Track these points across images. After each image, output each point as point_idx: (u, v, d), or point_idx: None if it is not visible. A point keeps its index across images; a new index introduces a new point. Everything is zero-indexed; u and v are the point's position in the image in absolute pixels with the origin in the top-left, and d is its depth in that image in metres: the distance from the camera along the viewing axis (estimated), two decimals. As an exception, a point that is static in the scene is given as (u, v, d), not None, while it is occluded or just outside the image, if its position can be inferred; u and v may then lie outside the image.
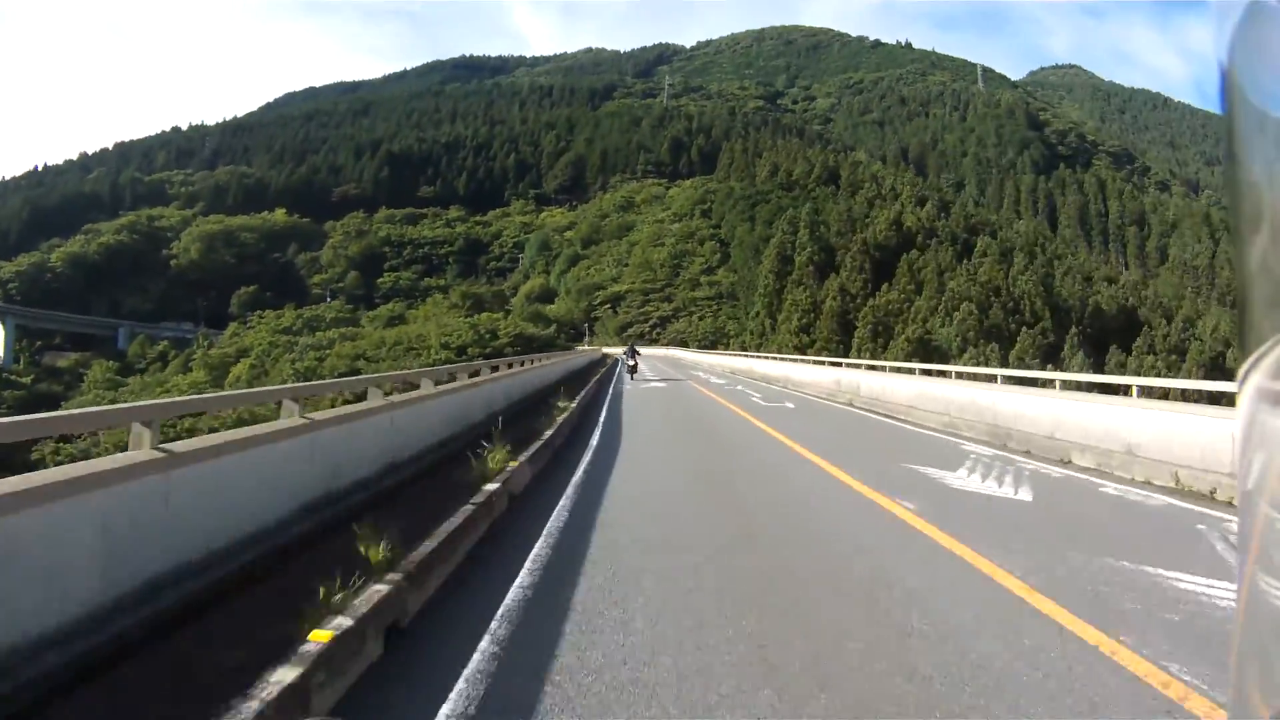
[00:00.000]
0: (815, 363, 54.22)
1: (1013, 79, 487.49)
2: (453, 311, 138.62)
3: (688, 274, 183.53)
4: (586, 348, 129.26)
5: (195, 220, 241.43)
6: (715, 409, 32.12)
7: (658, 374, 65.61)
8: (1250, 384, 1.14)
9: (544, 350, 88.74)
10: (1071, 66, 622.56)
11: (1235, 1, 1.12)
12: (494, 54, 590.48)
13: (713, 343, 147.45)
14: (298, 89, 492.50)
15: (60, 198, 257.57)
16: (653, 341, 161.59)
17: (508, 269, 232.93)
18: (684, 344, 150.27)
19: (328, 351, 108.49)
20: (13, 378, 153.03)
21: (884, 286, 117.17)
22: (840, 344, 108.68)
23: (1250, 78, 1.10)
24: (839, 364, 47.23)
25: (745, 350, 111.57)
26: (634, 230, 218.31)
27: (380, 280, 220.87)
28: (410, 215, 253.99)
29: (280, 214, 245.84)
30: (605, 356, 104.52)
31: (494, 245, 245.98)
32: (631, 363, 59.36)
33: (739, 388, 48.39)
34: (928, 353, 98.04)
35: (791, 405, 33.78)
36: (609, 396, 38.92)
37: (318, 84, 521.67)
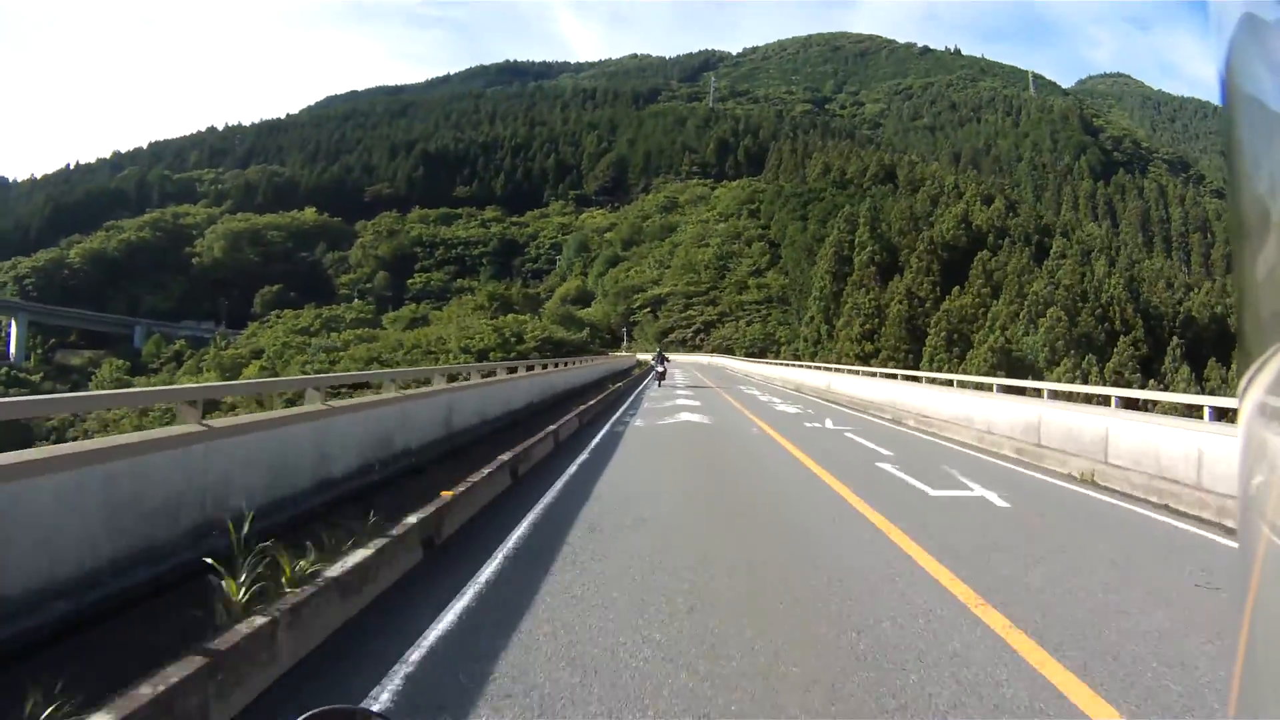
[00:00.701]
0: (958, 385, 31.98)
1: (1063, 87, 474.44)
2: (478, 313, 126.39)
3: (734, 276, 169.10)
4: (622, 354, 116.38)
5: (222, 218, 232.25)
6: (839, 523, 11.83)
7: (693, 386, 51.70)
8: (1250, 399, 1.11)
9: (574, 355, 74.58)
10: (1120, 75, 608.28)
11: (1232, 7, 1.10)
12: (538, 59, 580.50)
13: (761, 350, 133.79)
14: (339, 92, 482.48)
15: (84, 194, 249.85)
16: (695, 348, 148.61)
17: (544, 271, 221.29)
18: (729, 351, 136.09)
19: (341, 353, 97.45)
20: (22, 375, 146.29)
21: (955, 290, 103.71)
22: (909, 353, 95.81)
23: (1252, 83, 1.07)
24: (987, 387, 28.73)
25: (799, 359, 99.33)
26: (677, 231, 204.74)
27: (410, 281, 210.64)
28: (445, 215, 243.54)
29: (310, 213, 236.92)
30: (637, 364, 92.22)
31: (530, 246, 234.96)
32: (661, 369, 57.07)
33: (828, 424, 29.14)
34: (1011, 365, 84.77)
35: (998, 500, 13.70)
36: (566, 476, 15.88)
37: (360, 88, 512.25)
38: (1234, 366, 79.04)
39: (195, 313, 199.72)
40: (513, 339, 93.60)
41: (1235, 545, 5.23)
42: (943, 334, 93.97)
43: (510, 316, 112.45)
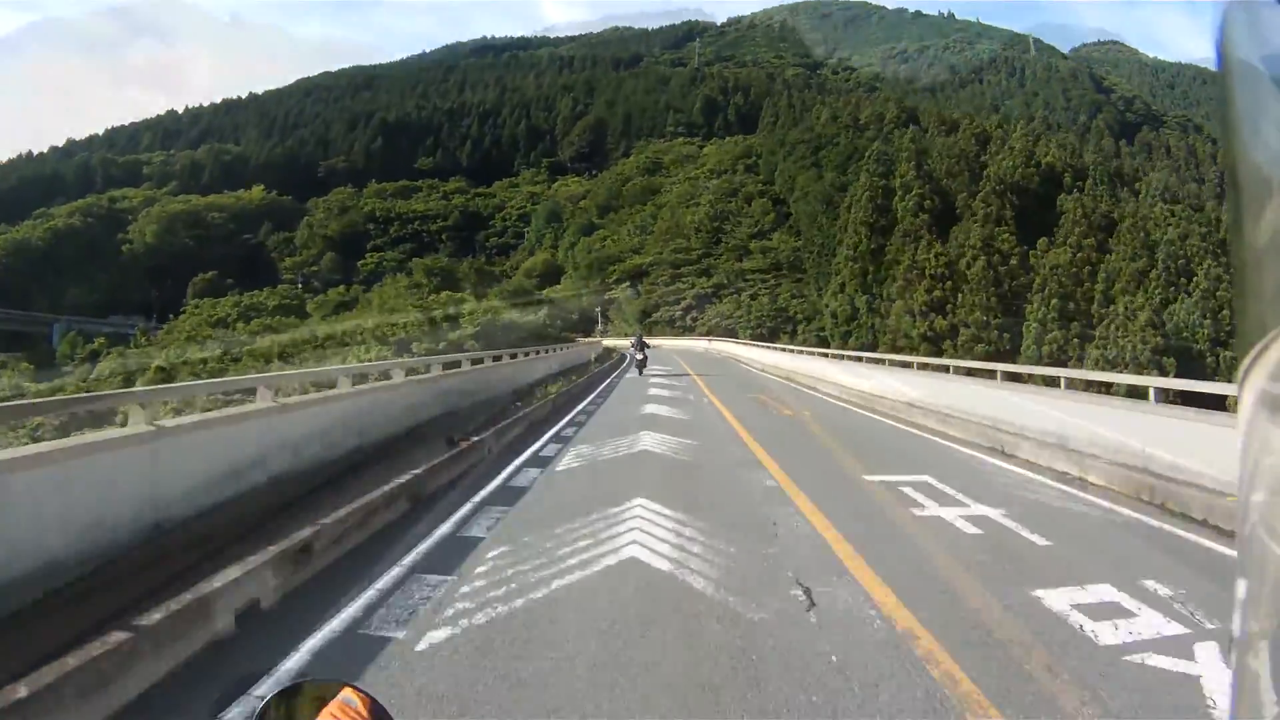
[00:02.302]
0: None
1: (1063, 51, 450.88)
2: (412, 293, 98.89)
3: (732, 239, 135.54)
4: (590, 339, 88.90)
5: (161, 200, 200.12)
6: None
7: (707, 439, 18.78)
8: (1251, 387, 1.03)
9: (520, 345, 48.57)
10: (1115, 42, 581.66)
11: None
12: (515, 34, 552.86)
13: (772, 332, 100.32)
14: (312, 74, 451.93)
15: (18, 181, 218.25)
16: (686, 330, 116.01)
17: (512, 246, 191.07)
18: (731, 333, 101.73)
19: (246, 347, 72.46)
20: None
21: (1041, 242, 75.39)
22: (1001, 331, 63.90)
23: (1245, 49, 1.01)
24: None
25: (826, 344, 74.43)
26: (661, 193, 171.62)
27: (362, 262, 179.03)
28: (404, 189, 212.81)
29: (257, 191, 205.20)
30: (598, 356, 66.97)
31: (496, 219, 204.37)
32: (640, 356, 45.46)
33: None
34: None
35: None
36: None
37: (333, 68, 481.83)
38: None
39: (124, 306, 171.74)
40: (445, 324, 67.70)
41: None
42: (1053, 302, 61.67)
43: (444, 295, 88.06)
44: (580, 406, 26.87)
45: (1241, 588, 1.04)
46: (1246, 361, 1.01)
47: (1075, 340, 59.69)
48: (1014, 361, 51.44)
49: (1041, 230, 77.09)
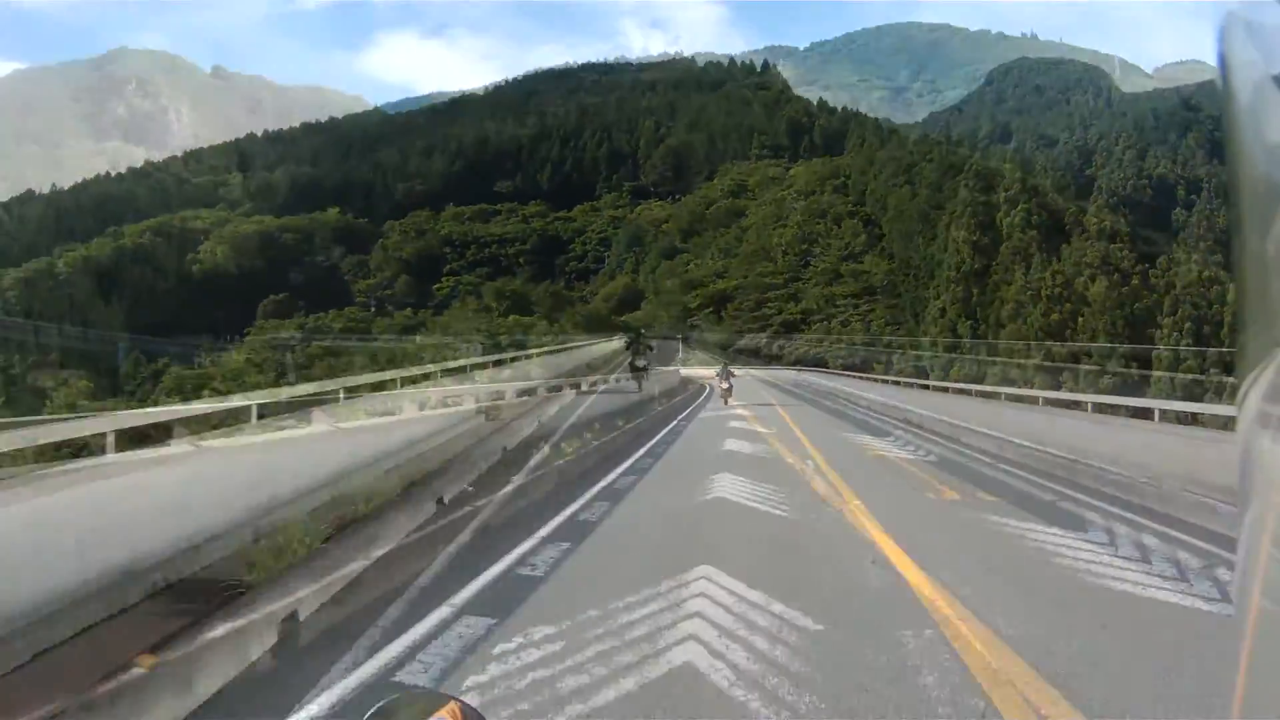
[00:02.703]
0: None
1: (1147, 71, 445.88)
2: (480, 316, 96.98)
3: (822, 263, 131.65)
4: (667, 368, 79.31)
5: (233, 221, 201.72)
6: None
7: None
8: (1249, 406, 1.04)
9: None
10: (1197, 61, 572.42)
11: None
12: (597, 59, 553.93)
13: (864, 361, 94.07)
14: (392, 100, 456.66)
15: (91, 199, 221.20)
16: (773, 358, 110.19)
17: (593, 270, 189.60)
18: (821, 362, 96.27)
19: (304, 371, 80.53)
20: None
21: (1160, 260, 69.92)
22: (1128, 360, 57.80)
23: (1245, 52, 1.03)
24: None
25: (925, 375, 68.50)
26: (746, 215, 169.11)
27: (438, 286, 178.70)
28: (481, 212, 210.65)
29: (333, 213, 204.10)
30: (680, 386, 58.42)
31: (576, 243, 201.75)
32: (725, 385, 43.56)
33: None
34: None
35: None
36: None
37: (414, 94, 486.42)
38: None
39: (193, 325, 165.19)
40: (512, 349, 67.56)
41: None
42: (1187, 326, 55.53)
43: (512, 319, 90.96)
44: (578, 504, 12.82)
45: (1241, 593, 1.07)
46: (1246, 382, 1.01)
47: (1213, 370, 53.71)
48: (1144, 394, 45.74)
49: (1156, 246, 74.22)
